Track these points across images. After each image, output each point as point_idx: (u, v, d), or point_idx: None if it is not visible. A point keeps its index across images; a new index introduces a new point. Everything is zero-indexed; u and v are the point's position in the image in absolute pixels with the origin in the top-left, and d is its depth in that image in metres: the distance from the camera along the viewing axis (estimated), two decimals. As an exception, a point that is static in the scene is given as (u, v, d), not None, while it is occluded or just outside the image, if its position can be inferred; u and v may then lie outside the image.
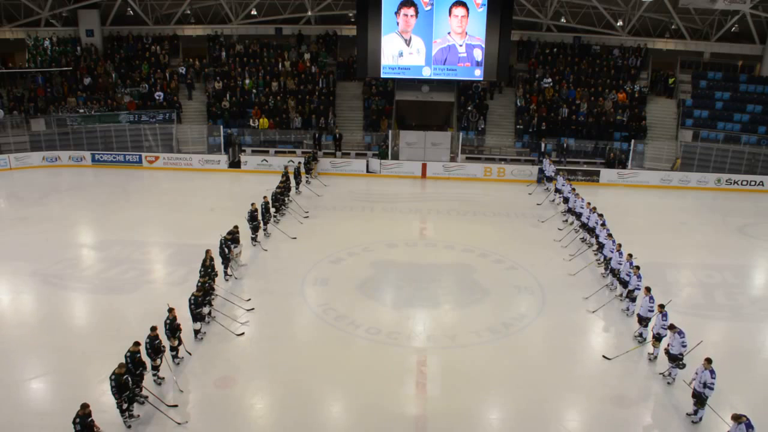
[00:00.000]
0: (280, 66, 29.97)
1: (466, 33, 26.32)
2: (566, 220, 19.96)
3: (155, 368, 10.86)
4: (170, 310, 11.34)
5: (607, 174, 25.79)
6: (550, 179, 23.54)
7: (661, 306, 11.85)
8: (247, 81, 29.37)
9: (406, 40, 26.52)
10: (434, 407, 10.55)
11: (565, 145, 27.00)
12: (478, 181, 25.89)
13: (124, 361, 9.82)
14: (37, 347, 12.07)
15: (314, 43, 31.03)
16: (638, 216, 21.66)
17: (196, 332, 12.30)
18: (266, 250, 17.15)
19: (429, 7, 26.05)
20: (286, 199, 20.38)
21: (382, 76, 27.49)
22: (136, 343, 10.11)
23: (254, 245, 17.17)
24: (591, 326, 13.62)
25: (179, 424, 9.82)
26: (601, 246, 15.97)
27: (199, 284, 12.58)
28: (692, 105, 28.41)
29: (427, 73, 27.15)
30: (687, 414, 10.36)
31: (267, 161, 26.29)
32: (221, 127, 27.30)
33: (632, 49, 30.26)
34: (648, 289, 12.53)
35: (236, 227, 15.52)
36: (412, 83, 28.32)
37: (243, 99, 28.84)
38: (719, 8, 26.52)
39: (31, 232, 18.26)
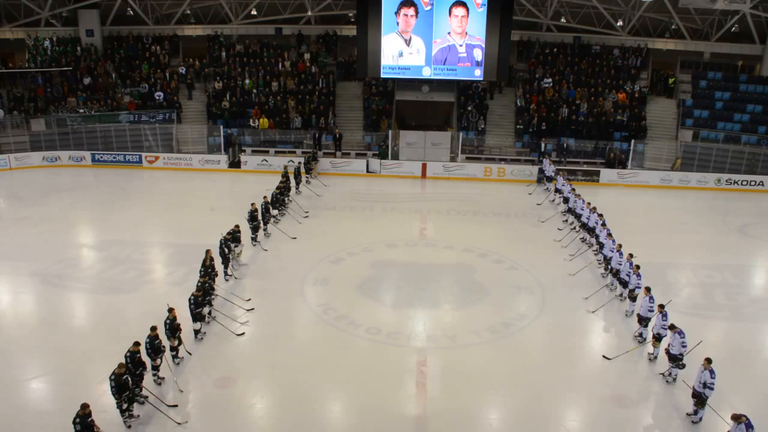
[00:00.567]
0: (280, 66, 29.97)
1: (466, 33, 26.33)
2: (566, 220, 19.96)
3: (155, 368, 10.86)
4: (170, 310, 11.33)
5: (607, 174, 25.79)
6: (550, 179, 23.54)
7: (661, 306, 11.86)
8: (247, 81, 29.37)
9: (406, 40, 26.53)
10: (434, 407, 10.55)
11: (565, 145, 27.00)
12: (478, 181, 25.89)
13: (124, 361, 9.82)
14: (37, 347, 12.06)
15: (314, 43, 31.03)
16: (638, 216, 21.67)
17: (196, 332, 12.30)
18: (266, 250, 17.15)
19: (429, 7, 26.05)
20: (286, 199, 20.38)
21: (382, 76, 27.49)
22: (136, 343, 10.11)
23: (254, 245, 17.17)
24: (591, 326, 13.62)
25: (179, 424, 9.82)
26: (601, 246, 15.97)
27: (199, 284, 12.58)
28: (692, 105, 28.41)
29: (427, 73, 27.15)
30: (687, 414, 10.36)
31: (267, 161, 26.29)
32: (221, 127, 27.30)
33: (632, 49, 30.27)
34: (648, 289, 12.53)
35: (237, 226, 15.53)
36: (412, 83, 28.33)
37: (243, 99, 28.83)
38: (719, 8, 26.53)
39: (31, 232, 18.26)
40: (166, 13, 31.21)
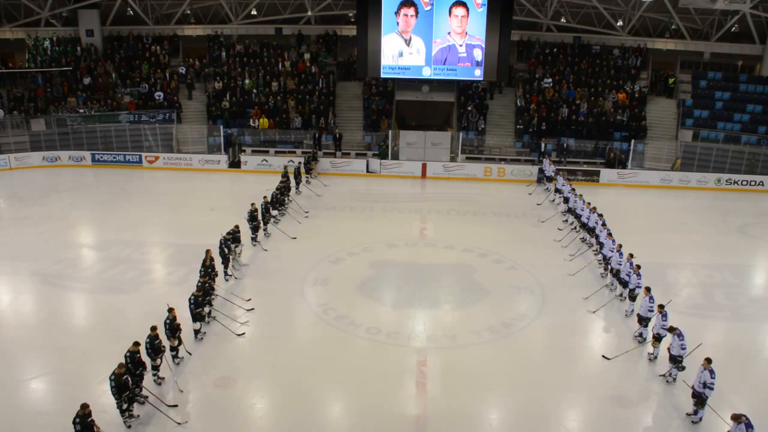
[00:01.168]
0: (280, 66, 29.97)
1: (466, 33, 26.33)
2: (566, 220, 19.96)
3: (155, 368, 10.86)
4: (170, 310, 11.33)
5: (607, 174, 25.79)
6: (550, 179, 23.54)
7: (661, 306, 11.86)
8: (247, 81, 29.37)
9: (406, 40, 26.52)
10: (434, 407, 10.55)
11: (565, 145, 27.00)
12: (478, 181, 25.89)
13: (124, 361, 9.82)
14: (37, 347, 12.06)
15: (314, 43, 31.03)
16: (638, 216, 21.66)
17: (196, 332, 12.30)
18: (266, 250, 17.14)
19: (429, 7, 26.05)
20: (286, 199, 20.38)
21: (382, 76, 27.49)
22: (136, 343, 10.11)
23: (254, 245, 17.17)
24: (591, 326, 13.62)
25: (179, 424, 9.82)
26: (601, 246, 15.97)
27: (199, 284, 12.58)
28: (692, 105, 28.42)
29: (427, 73, 27.15)
30: (687, 414, 10.36)
31: (267, 161, 26.29)
32: (221, 127, 27.30)
33: (632, 49, 30.27)
34: (648, 289, 12.53)
35: (237, 227, 15.53)
36: (412, 83, 28.33)
37: (243, 99, 28.84)
38: (719, 8, 26.53)
39: (31, 232, 18.26)
40: (166, 13, 31.21)
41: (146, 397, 10.22)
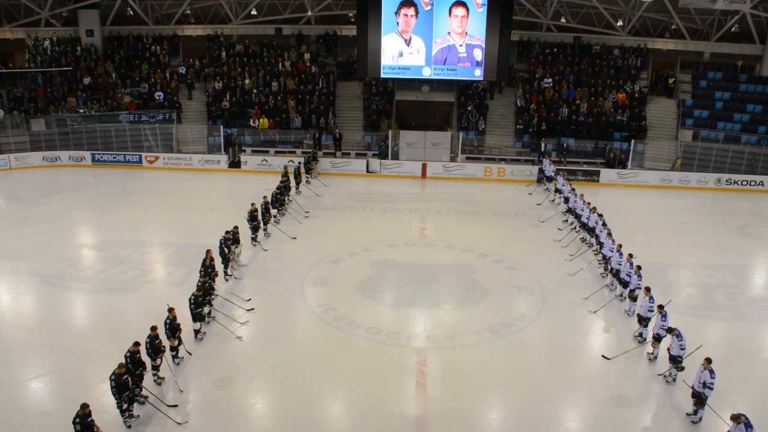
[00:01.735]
0: (280, 66, 29.97)
1: (466, 33, 26.33)
2: (566, 220, 19.96)
3: (155, 368, 10.86)
4: (170, 310, 11.33)
5: (607, 174, 25.79)
6: (550, 179, 23.54)
7: (661, 306, 11.86)
8: (247, 81, 29.38)
9: (406, 40, 26.52)
10: (434, 407, 10.55)
11: (565, 145, 27.00)
12: (478, 181, 25.89)
13: (124, 361, 9.82)
14: (37, 347, 12.07)
15: (314, 43, 31.03)
16: (638, 216, 21.66)
17: (196, 332, 12.30)
18: (266, 250, 17.15)
19: (429, 7, 26.05)
20: (286, 199, 20.38)
21: (382, 76, 27.48)
22: (136, 343, 10.11)
23: (254, 245, 17.16)
24: (591, 326, 13.62)
25: (179, 424, 9.82)
26: (601, 246, 15.97)
27: (199, 284, 12.59)
28: (692, 105, 28.42)
29: (427, 73, 27.15)
30: (687, 414, 10.36)
31: (267, 161, 26.29)
32: (221, 127, 27.29)
33: (632, 49, 30.27)
34: (648, 289, 12.53)
35: (236, 227, 15.52)
36: (412, 83, 28.33)
37: (243, 99, 28.84)
38: (719, 8, 26.53)
39: (31, 232, 18.26)
40: (166, 13, 31.21)
41: (146, 397, 10.22)
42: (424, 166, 26.06)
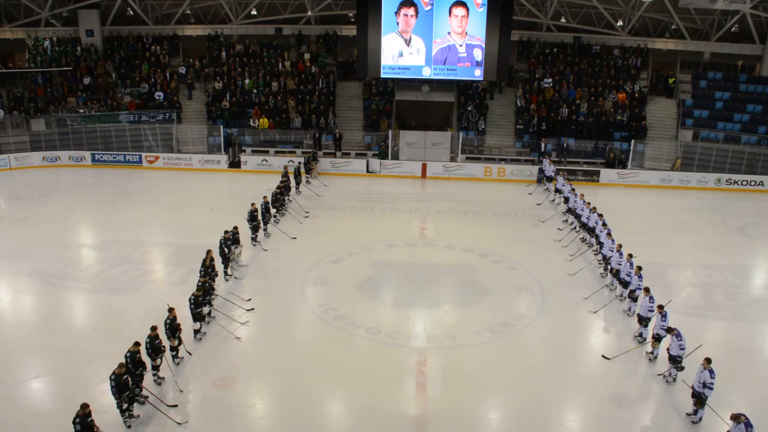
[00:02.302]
0: (280, 66, 29.98)
1: (466, 33, 26.33)
2: (566, 220, 19.96)
3: (155, 368, 10.86)
4: (170, 310, 11.33)
5: (607, 174, 25.79)
6: (550, 179, 23.54)
7: (661, 306, 11.86)
8: (247, 81, 29.38)
9: (406, 40, 26.52)
10: (434, 407, 10.55)
11: (565, 145, 27.00)
12: (478, 181, 25.89)
13: (124, 361, 9.82)
14: (37, 347, 12.07)
15: (314, 43, 31.03)
16: (638, 216, 21.67)
17: (196, 332, 12.30)
18: (266, 250, 17.14)
19: (429, 7, 26.05)
20: (286, 199, 20.39)
21: (382, 76, 27.48)
22: (136, 343, 10.11)
23: (254, 245, 17.16)
24: (591, 326, 13.62)
25: (179, 424, 9.82)
26: (601, 246, 15.97)
27: (199, 284, 12.59)
28: (692, 105, 28.42)
29: (427, 73, 27.15)
30: (687, 414, 10.36)
31: (267, 161, 26.29)
32: (221, 127, 27.29)
33: (632, 49, 30.28)
34: (647, 290, 12.53)
35: (236, 227, 15.52)
36: (412, 83, 28.32)
37: (243, 99, 28.84)
38: (719, 8, 26.52)
39: (31, 232, 18.27)
40: (166, 13, 31.21)
41: (146, 397, 10.22)
42: (424, 166, 26.06)
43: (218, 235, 14.96)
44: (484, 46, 26.34)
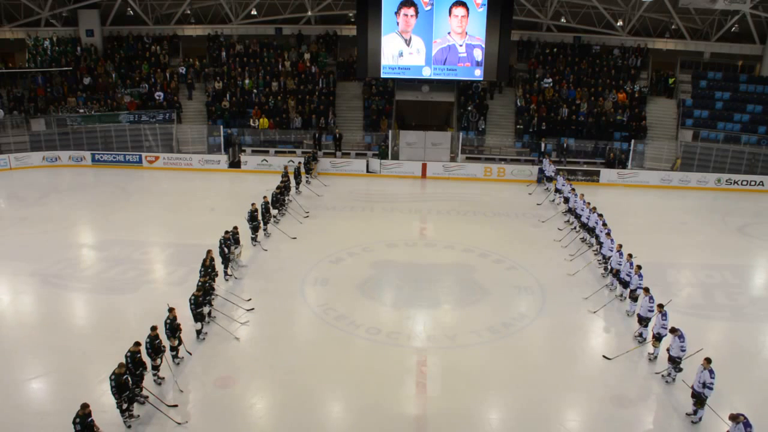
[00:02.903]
0: (280, 66, 29.98)
1: (466, 33, 26.33)
2: (567, 221, 19.96)
3: (155, 368, 10.86)
4: (170, 310, 11.34)
5: (607, 174, 25.79)
6: (550, 179, 23.55)
7: (660, 306, 11.85)
8: (247, 81, 29.38)
9: (406, 40, 26.53)
10: (434, 407, 10.55)
11: (565, 145, 27.01)
12: (478, 181, 25.89)
13: (124, 361, 9.82)
14: (37, 347, 12.06)
15: (314, 43, 31.03)
16: (638, 216, 21.66)
17: (199, 332, 12.30)
18: (266, 250, 17.14)
19: (429, 7, 26.05)
20: (286, 199, 20.39)
21: (382, 76, 27.49)
22: (137, 343, 10.11)
23: (254, 245, 17.16)
24: (591, 326, 13.62)
25: (179, 424, 9.82)
26: (601, 246, 15.97)
27: (199, 284, 12.59)
28: (692, 105, 28.42)
29: (427, 73, 27.16)
30: (687, 414, 10.36)
31: (267, 161, 26.29)
32: (221, 127, 27.30)
33: (632, 49, 30.28)
34: (647, 290, 12.53)
35: (236, 227, 15.52)
36: (412, 83, 28.33)
37: (243, 99, 28.84)
38: (719, 8, 26.52)
39: (31, 232, 18.27)
40: (166, 13, 31.21)
41: (146, 397, 10.22)
42: (424, 166, 26.06)
43: (218, 235, 14.96)
44: (484, 46, 26.34)
